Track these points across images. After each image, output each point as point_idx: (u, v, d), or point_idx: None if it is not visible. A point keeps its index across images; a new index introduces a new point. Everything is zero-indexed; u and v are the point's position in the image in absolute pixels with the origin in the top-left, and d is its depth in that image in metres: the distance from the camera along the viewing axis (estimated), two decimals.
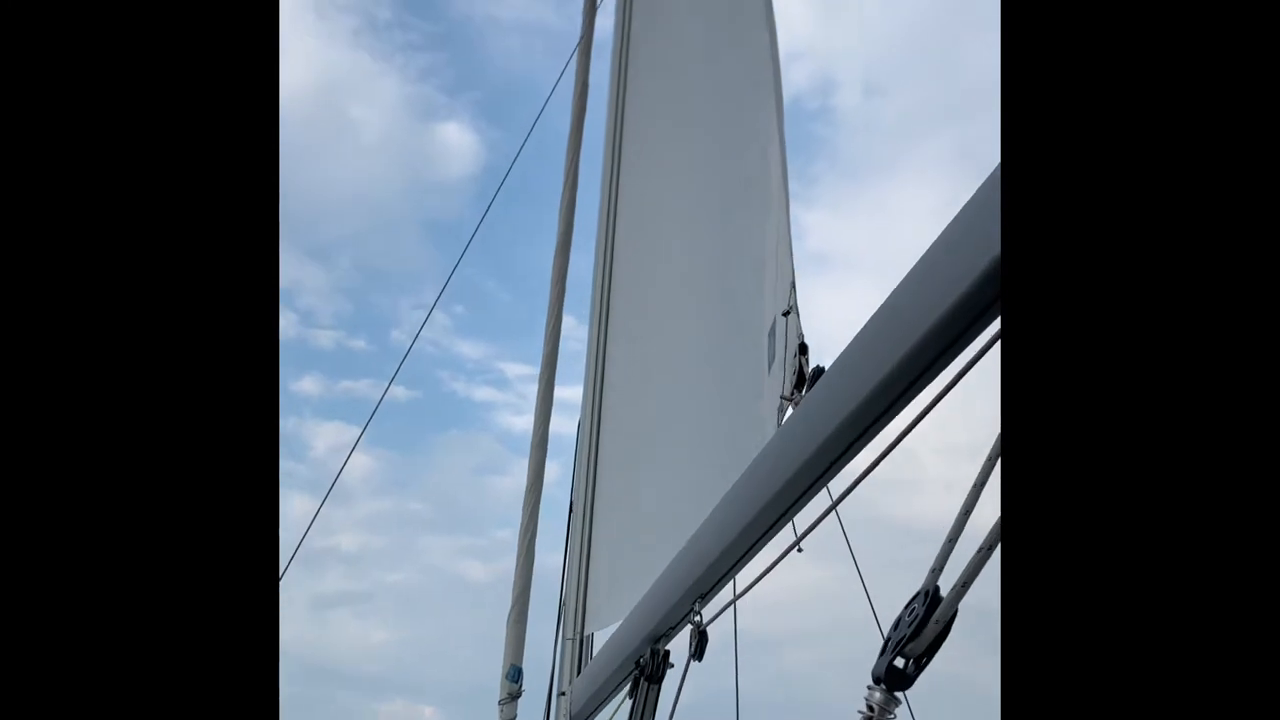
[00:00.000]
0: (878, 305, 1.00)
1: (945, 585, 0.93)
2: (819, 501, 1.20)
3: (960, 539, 0.96)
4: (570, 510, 3.20)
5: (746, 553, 1.30)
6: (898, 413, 0.97)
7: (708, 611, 1.54)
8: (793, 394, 1.62)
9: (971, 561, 0.89)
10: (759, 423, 1.96)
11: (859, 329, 1.00)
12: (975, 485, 0.94)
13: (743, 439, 2.10)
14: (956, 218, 0.88)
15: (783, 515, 1.18)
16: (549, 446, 3.44)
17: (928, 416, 1.02)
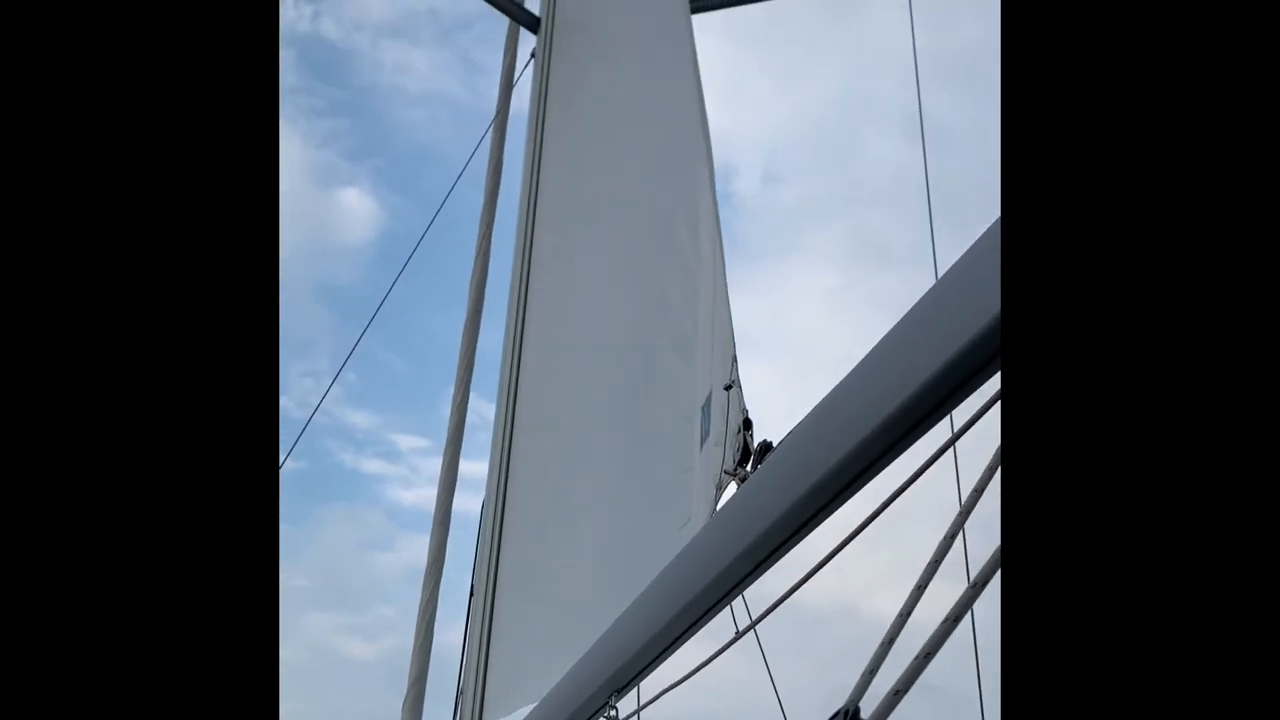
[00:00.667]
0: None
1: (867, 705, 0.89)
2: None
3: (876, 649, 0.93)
4: (471, 593, 3.06)
5: (675, 641, 1.23)
6: (855, 493, 0.94)
7: (625, 705, 1.45)
8: (736, 469, 1.58)
9: (899, 680, 0.86)
10: (684, 500, 1.91)
11: (815, 404, 0.97)
12: (904, 610, 0.91)
13: (664, 519, 2.04)
14: (930, 293, 0.87)
15: (723, 598, 1.12)
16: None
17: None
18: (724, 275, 2.07)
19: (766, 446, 1.49)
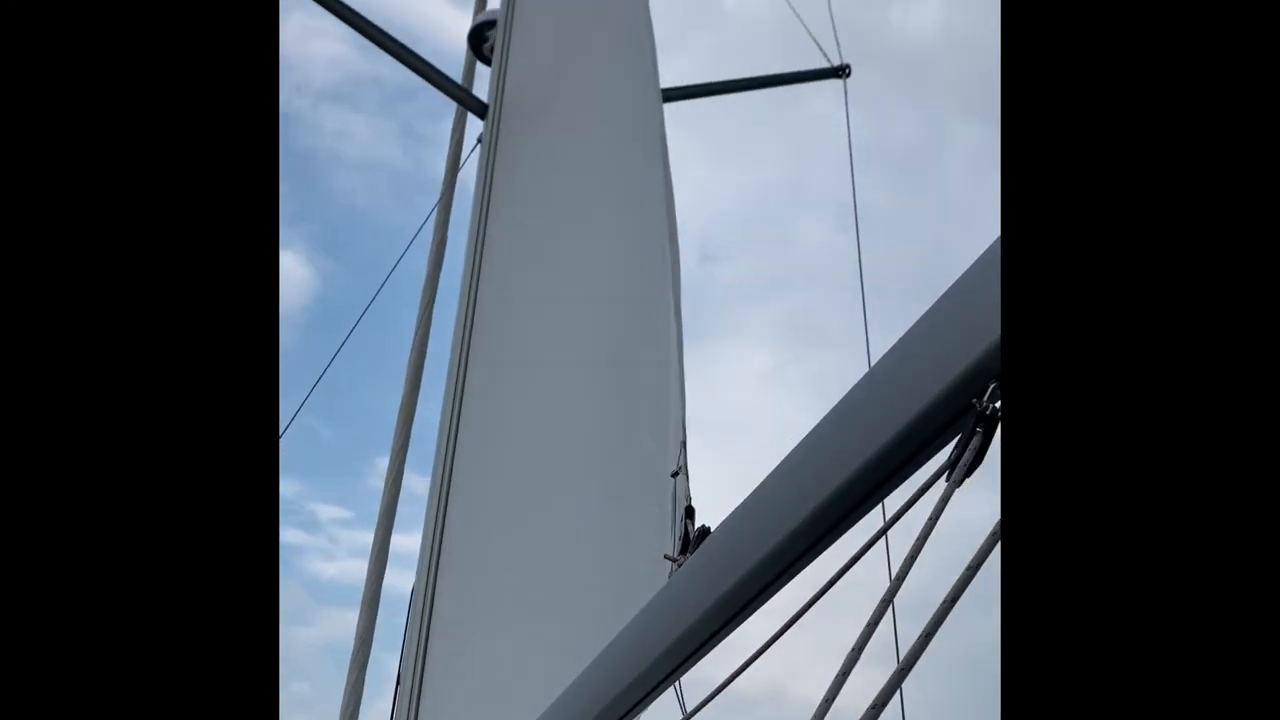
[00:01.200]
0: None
1: None
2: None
3: None
4: (398, 681, 2.97)
5: None
6: (789, 580, 0.95)
7: None
8: (679, 557, 1.58)
9: None
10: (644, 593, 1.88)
11: (749, 488, 0.98)
12: (830, 694, 0.91)
13: (619, 611, 2.00)
14: (863, 381, 0.89)
15: (658, 685, 1.10)
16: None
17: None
18: (681, 358, 2.09)
19: (705, 532, 1.50)
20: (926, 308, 0.88)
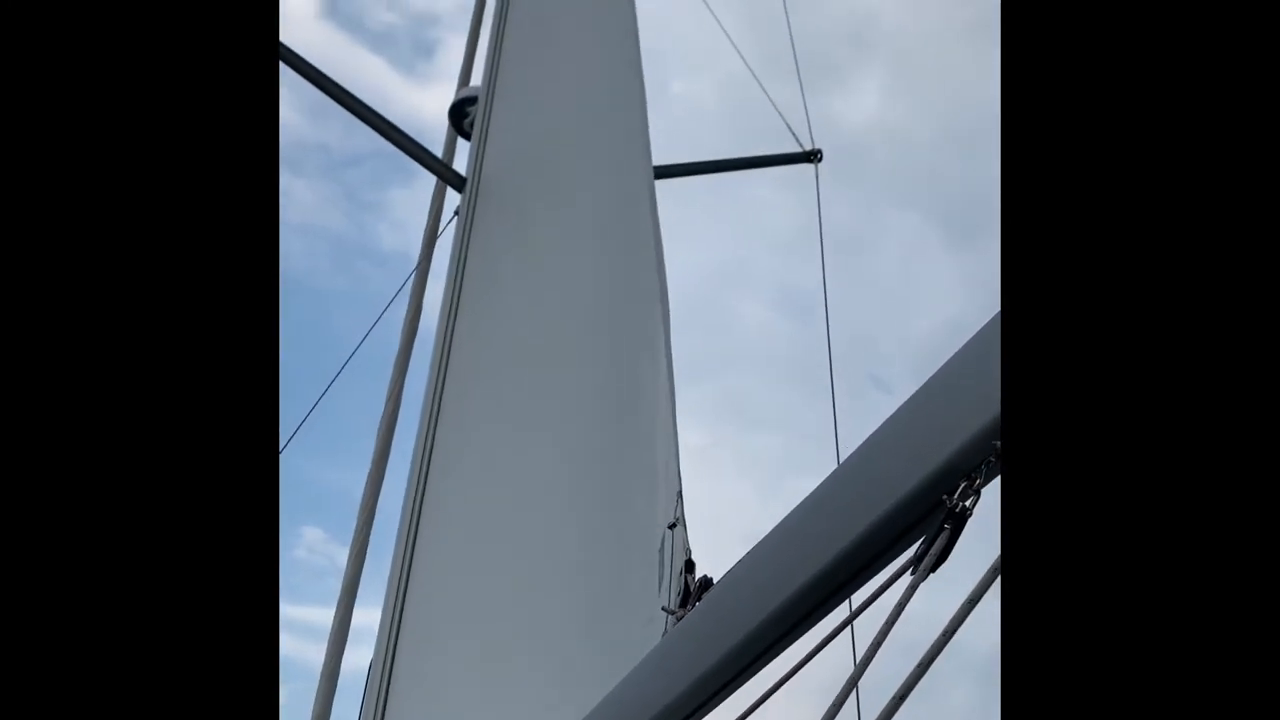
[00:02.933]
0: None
1: None
2: None
3: None
4: None
5: None
6: (798, 636, 0.96)
7: None
8: (678, 610, 1.57)
9: None
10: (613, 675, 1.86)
11: (757, 541, 1.00)
12: None
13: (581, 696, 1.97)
14: (875, 439, 0.92)
15: None
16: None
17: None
18: (674, 410, 2.09)
19: (707, 583, 1.50)
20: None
